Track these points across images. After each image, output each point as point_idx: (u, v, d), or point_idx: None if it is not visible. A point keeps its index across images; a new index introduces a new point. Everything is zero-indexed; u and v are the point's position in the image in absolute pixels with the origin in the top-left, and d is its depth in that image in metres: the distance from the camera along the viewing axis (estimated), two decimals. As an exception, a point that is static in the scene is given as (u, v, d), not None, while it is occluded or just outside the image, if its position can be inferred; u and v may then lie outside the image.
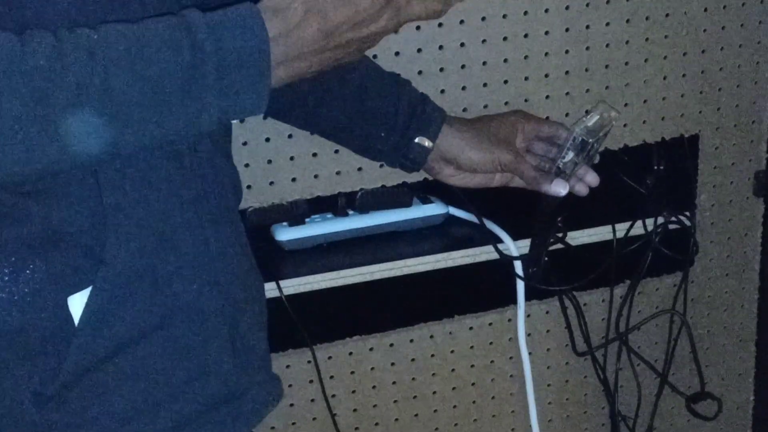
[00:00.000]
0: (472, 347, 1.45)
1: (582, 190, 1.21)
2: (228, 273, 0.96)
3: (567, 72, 1.35)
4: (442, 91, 1.31)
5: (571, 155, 1.20)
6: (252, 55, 0.81)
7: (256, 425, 1.02)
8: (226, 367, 0.96)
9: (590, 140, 1.19)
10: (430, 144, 1.17)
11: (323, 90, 1.16)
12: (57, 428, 0.89)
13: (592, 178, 1.21)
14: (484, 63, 1.32)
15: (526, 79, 1.34)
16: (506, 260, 1.35)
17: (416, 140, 1.17)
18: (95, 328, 0.87)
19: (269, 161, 1.27)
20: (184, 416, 0.94)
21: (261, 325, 1.04)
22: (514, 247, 1.35)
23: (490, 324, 1.45)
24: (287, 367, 1.36)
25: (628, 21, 1.35)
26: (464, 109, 1.32)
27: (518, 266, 1.36)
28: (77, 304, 0.87)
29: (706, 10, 1.39)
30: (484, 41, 1.30)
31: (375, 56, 1.25)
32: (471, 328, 1.44)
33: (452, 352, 1.44)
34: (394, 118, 1.18)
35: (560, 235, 1.35)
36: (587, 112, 1.26)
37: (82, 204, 0.86)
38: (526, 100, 1.34)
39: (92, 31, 0.78)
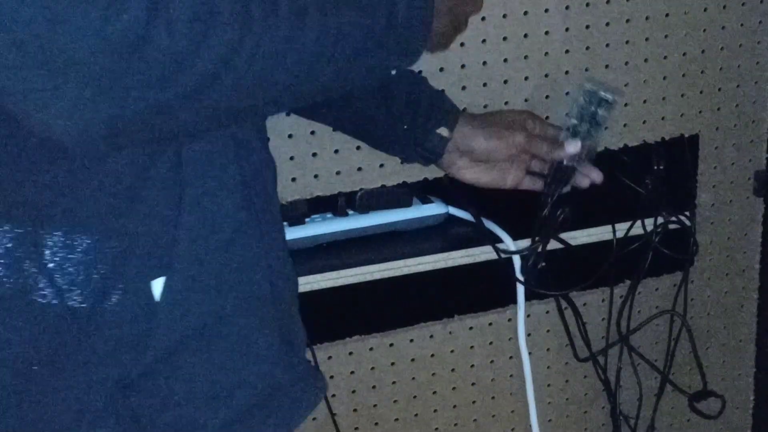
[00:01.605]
0: (472, 347, 1.45)
1: (583, 182, 1.29)
2: (276, 265, 1.00)
3: (567, 72, 1.35)
4: (442, 91, 1.31)
5: (575, 118, 1.28)
6: (426, 10, 0.94)
7: (306, 417, 1.05)
8: (278, 359, 1.00)
9: (599, 91, 1.27)
10: (449, 134, 1.21)
11: None
12: (139, 414, 0.92)
13: (597, 176, 1.29)
14: (484, 63, 1.32)
15: (526, 79, 1.34)
16: (503, 260, 1.35)
17: (437, 131, 1.20)
18: (178, 311, 0.91)
19: (269, 161, 1.27)
20: (246, 405, 0.97)
21: (299, 319, 1.07)
22: (514, 247, 1.35)
23: (490, 324, 1.45)
24: (287, 367, 1.36)
25: (628, 21, 1.35)
26: (464, 109, 1.32)
27: (517, 266, 1.37)
28: (159, 288, 0.90)
29: (706, 10, 1.39)
30: (484, 41, 1.30)
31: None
32: (471, 328, 1.44)
33: (452, 352, 1.44)
34: (415, 110, 1.21)
35: (561, 225, 1.34)
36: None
37: (165, 191, 0.89)
38: (526, 100, 1.34)
39: None
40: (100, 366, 0.90)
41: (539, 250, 1.34)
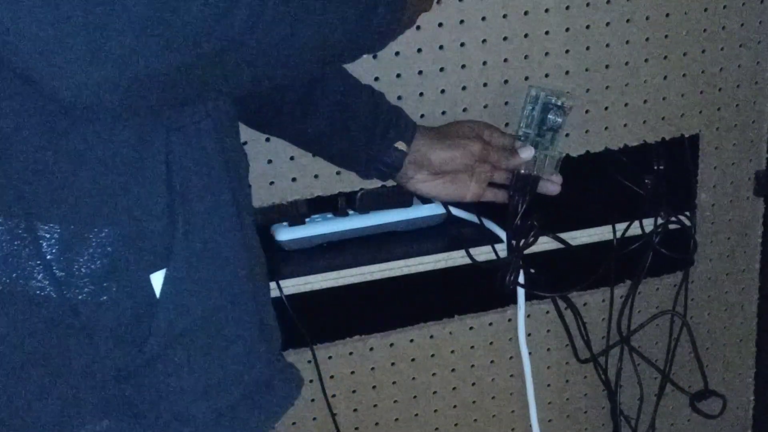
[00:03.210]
0: (472, 347, 1.45)
1: (551, 188, 1.31)
2: (255, 261, 1.01)
3: (567, 72, 1.35)
4: (443, 91, 1.31)
5: (527, 125, 1.29)
6: None
7: (286, 411, 1.07)
8: (260, 354, 1.01)
9: (542, 98, 1.27)
10: (407, 148, 1.23)
11: (306, 100, 1.20)
12: (136, 405, 0.92)
13: (557, 180, 1.31)
14: (484, 63, 1.32)
15: (527, 78, 1.34)
16: (503, 261, 1.35)
17: (394, 145, 1.22)
18: (176, 304, 0.91)
19: (269, 161, 1.27)
20: (235, 399, 0.98)
21: (274, 315, 1.08)
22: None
23: (490, 324, 1.45)
24: (287, 367, 1.36)
25: (628, 21, 1.35)
26: (464, 109, 1.32)
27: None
28: (158, 281, 0.90)
29: (706, 10, 1.39)
30: (484, 41, 1.30)
31: (375, 56, 1.26)
32: (471, 328, 1.44)
33: (452, 352, 1.44)
34: (373, 126, 1.22)
35: (532, 239, 1.34)
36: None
37: (156, 186, 0.89)
38: (526, 100, 1.34)
39: None
40: (98, 359, 0.90)
41: (517, 262, 1.34)
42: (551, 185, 1.31)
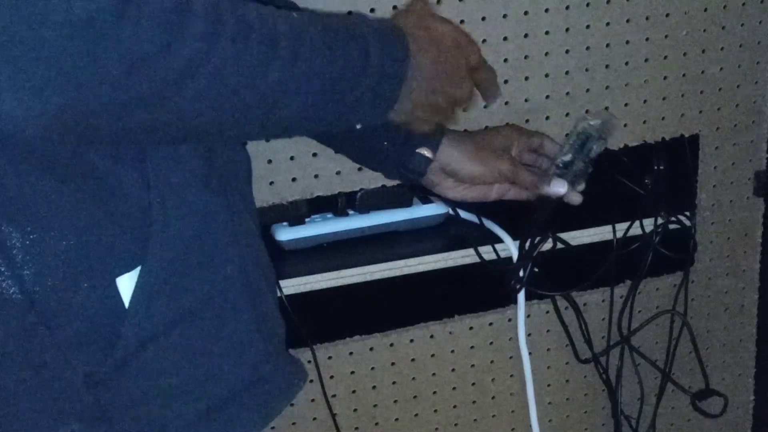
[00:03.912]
0: (472, 347, 1.45)
1: (574, 199, 1.27)
2: (250, 257, 1.00)
3: (567, 72, 1.35)
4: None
5: (570, 155, 1.26)
6: (398, 72, 0.92)
7: (286, 406, 1.06)
8: (255, 350, 1.00)
9: (593, 134, 1.25)
10: (432, 155, 1.19)
11: None
12: (107, 409, 0.92)
13: (580, 187, 1.28)
14: (484, 63, 1.31)
15: (527, 79, 1.34)
16: (503, 260, 1.35)
17: (418, 150, 1.18)
18: (146, 308, 0.90)
19: (269, 161, 1.27)
20: (221, 397, 0.97)
21: (278, 310, 1.08)
22: (515, 247, 1.35)
23: (490, 324, 1.45)
24: (287, 367, 1.36)
25: (628, 21, 1.35)
26: (464, 109, 1.32)
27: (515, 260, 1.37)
28: (126, 285, 0.89)
29: (706, 10, 1.39)
30: (484, 41, 1.30)
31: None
32: (471, 328, 1.44)
33: (452, 352, 1.44)
34: (397, 129, 1.18)
35: (550, 244, 1.34)
36: (587, 112, 1.33)
37: (132, 186, 0.88)
38: (526, 100, 1.34)
39: (292, 13, 0.85)
40: (66, 362, 0.89)
41: (528, 268, 1.34)
42: (575, 197, 1.28)
